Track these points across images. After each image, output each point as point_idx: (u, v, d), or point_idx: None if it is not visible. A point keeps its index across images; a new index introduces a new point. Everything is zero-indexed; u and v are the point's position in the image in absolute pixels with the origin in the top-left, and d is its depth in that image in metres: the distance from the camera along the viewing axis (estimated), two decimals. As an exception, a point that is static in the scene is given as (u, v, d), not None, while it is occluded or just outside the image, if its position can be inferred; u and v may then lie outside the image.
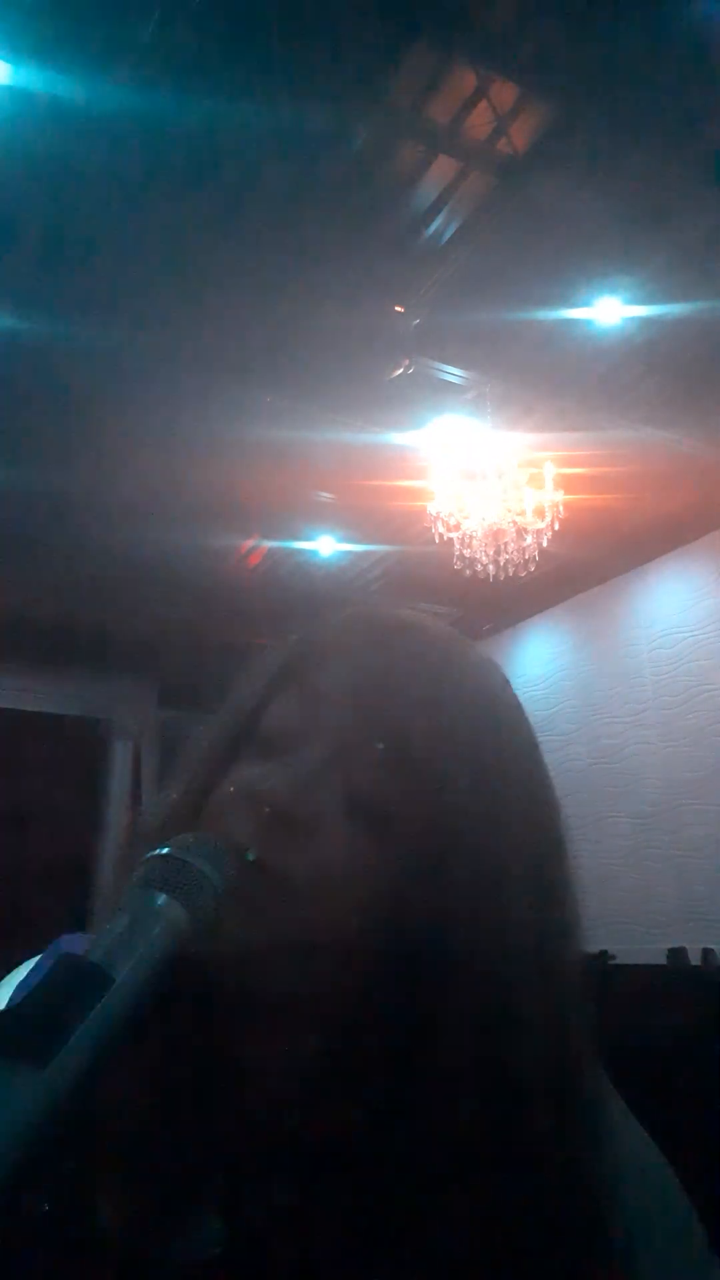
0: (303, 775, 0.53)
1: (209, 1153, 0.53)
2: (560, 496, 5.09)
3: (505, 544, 5.16)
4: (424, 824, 0.53)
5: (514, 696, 0.62)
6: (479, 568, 5.28)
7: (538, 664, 7.95)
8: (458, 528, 5.14)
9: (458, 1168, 0.49)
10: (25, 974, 0.61)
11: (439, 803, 0.54)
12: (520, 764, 0.59)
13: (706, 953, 5.76)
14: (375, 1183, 0.49)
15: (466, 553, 5.21)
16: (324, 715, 0.55)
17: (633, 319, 4.42)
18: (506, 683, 0.63)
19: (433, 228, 4.00)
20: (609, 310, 4.38)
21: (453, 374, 4.82)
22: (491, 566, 5.25)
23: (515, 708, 0.62)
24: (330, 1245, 0.49)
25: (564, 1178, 0.50)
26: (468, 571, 5.33)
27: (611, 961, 6.20)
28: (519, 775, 0.58)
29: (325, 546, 6.80)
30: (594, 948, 6.51)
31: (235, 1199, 0.52)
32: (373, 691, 0.56)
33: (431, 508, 5.16)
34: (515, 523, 5.09)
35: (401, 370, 4.69)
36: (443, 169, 3.77)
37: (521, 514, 5.09)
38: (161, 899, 0.47)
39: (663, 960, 5.85)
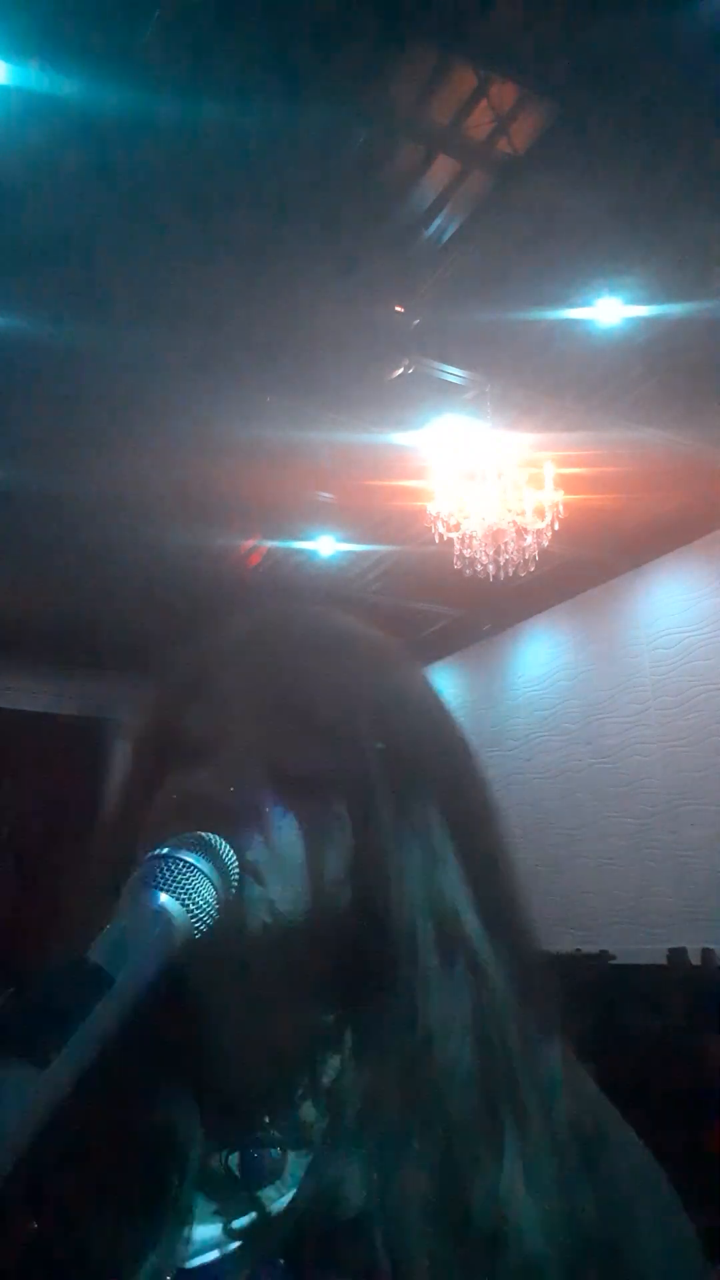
0: (230, 769, 0.57)
1: (211, 1150, 0.53)
2: (560, 496, 5.09)
3: (505, 544, 5.15)
4: (344, 779, 0.57)
5: (411, 672, 0.67)
6: (479, 568, 5.27)
7: (538, 664, 7.96)
8: (458, 528, 5.14)
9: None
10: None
11: (350, 758, 0.58)
12: (419, 721, 0.63)
13: (706, 953, 5.76)
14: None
15: (466, 553, 5.20)
16: (235, 715, 0.59)
17: (633, 319, 4.42)
18: (406, 662, 0.67)
19: (433, 228, 4.00)
20: (609, 310, 4.38)
21: (453, 374, 4.82)
22: (491, 566, 5.25)
23: (409, 679, 0.66)
24: (324, 1249, 0.49)
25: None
26: (468, 571, 5.33)
27: (611, 961, 6.21)
28: (416, 728, 0.62)
29: (325, 546, 6.81)
30: (594, 948, 6.51)
31: (235, 1197, 0.52)
32: (278, 683, 0.60)
33: (431, 508, 5.16)
34: (515, 523, 5.08)
35: (401, 370, 4.70)
36: (443, 169, 3.77)
37: (521, 514, 5.08)
38: (161, 899, 0.47)
39: (663, 960, 5.85)
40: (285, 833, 0.55)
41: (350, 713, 0.59)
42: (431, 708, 0.65)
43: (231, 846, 0.53)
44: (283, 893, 0.54)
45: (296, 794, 0.56)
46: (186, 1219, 0.52)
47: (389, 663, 0.65)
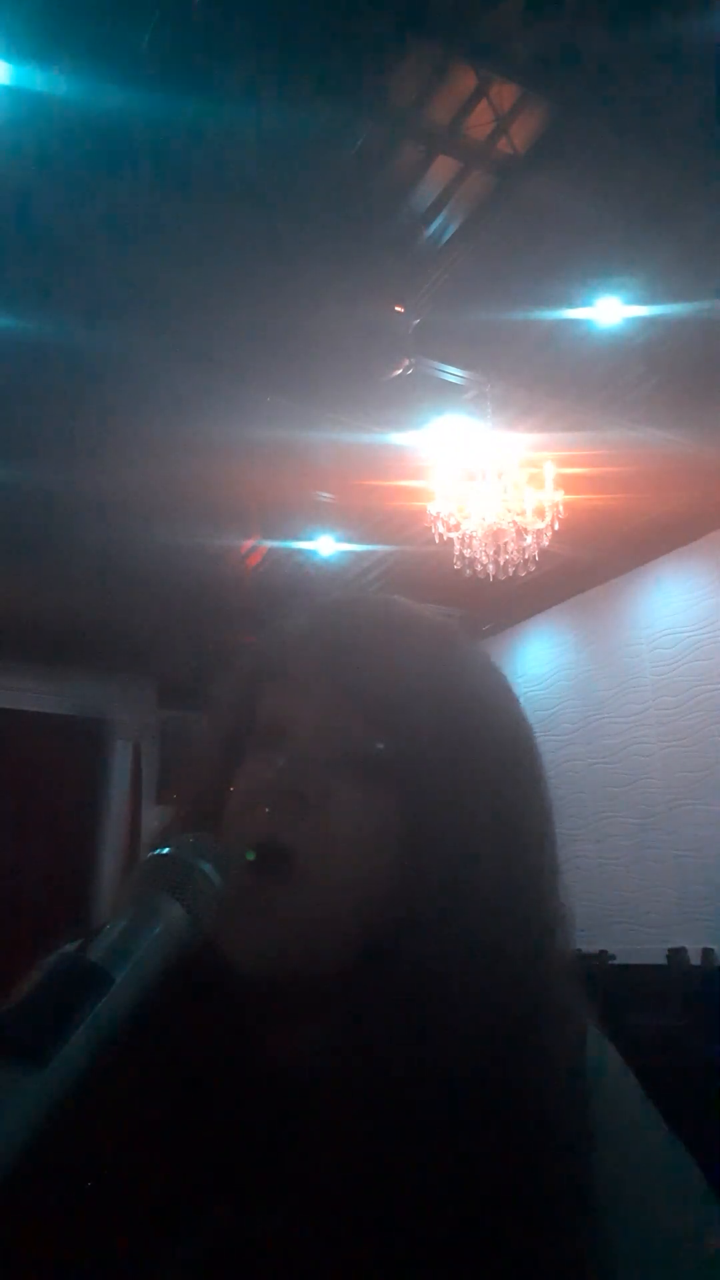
0: (301, 754, 0.58)
1: (215, 1152, 0.53)
2: (560, 496, 5.09)
3: (505, 544, 5.15)
4: (412, 770, 0.58)
5: (473, 655, 0.68)
6: (479, 568, 5.27)
7: (538, 664, 7.95)
8: (458, 528, 5.14)
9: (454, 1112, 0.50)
10: None
11: (418, 749, 0.59)
12: (479, 706, 0.64)
13: (706, 953, 5.76)
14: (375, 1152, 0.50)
15: (466, 553, 5.20)
16: (308, 699, 0.60)
17: (633, 319, 4.42)
18: (468, 646, 0.68)
19: (433, 228, 4.00)
20: (609, 310, 4.38)
21: (453, 374, 4.81)
22: (491, 566, 5.25)
23: (471, 662, 0.67)
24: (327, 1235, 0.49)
25: (539, 1127, 0.51)
26: (468, 571, 5.33)
27: (611, 961, 6.20)
28: (482, 716, 0.63)
29: (325, 546, 6.80)
30: (594, 948, 6.51)
31: (241, 1199, 0.52)
32: (344, 668, 0.61)
33: (431, 508, 5.16)
34: (515, 523, 5.08)
35: (401, 370, 4.69)
36: (443, 169, 3.77)
37: (521, 514, 5.08)
38: (162, 899, 0.47)
39: (663, 960, 5.85)
40: (348, 815, 0.56)
41: (407, 700, 0.59)
42: (488, 696, 0.65)
43: (235, 847, 0.53)
44: (341, 872, 0.55)
45: (359, 780, 0.57)
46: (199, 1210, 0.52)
47: (447, 650, 0.65)
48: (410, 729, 0.58)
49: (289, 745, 0.58)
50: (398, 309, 4.40)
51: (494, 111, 3.51)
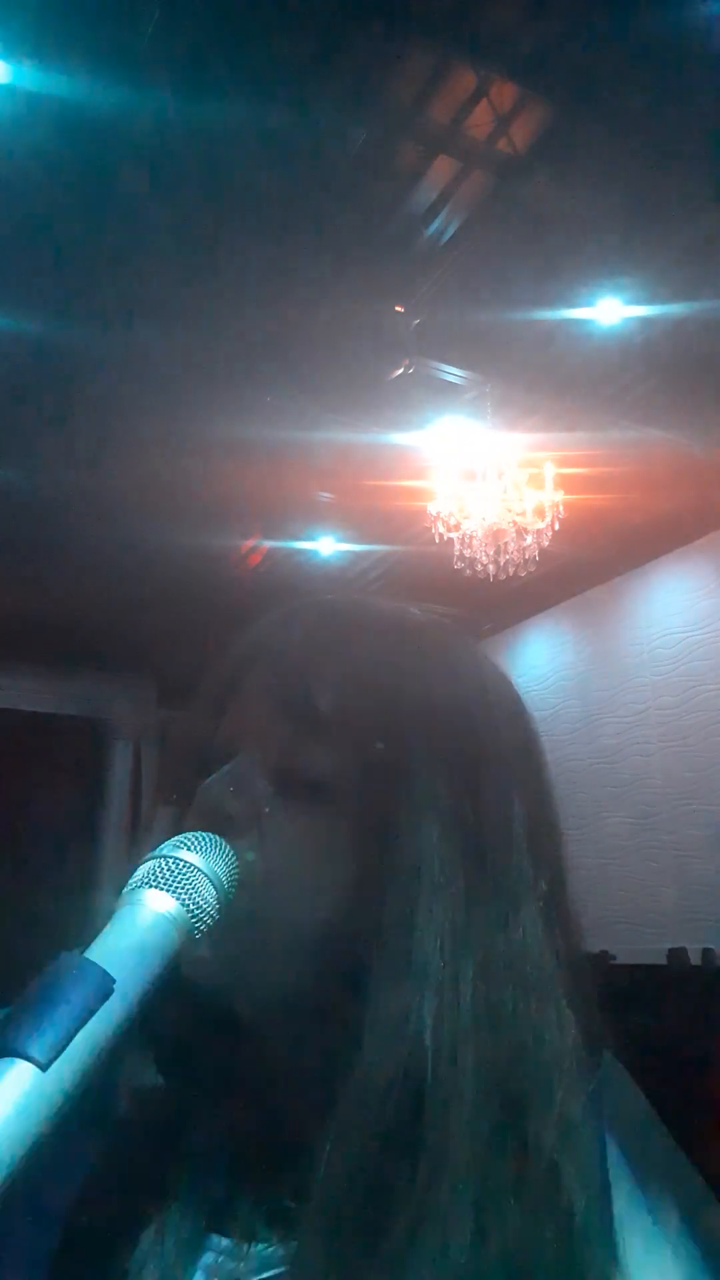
0: (240, 775, 0.55)
1: (216, 1158, 0.53)
2: (560, 496, 5.09)
3: (505, 544, 5.16)
4: (354, 786, 0.54)
5: (444, 658, 0.61)
6: (479, 568, 5.28)
7: (538, 664, 7.95)
8: (458, 528, 5.14)
9: (461, 1150, 0.48)
10: None
11: (359, 767, 0.54)
12: (444, 714, 0.57)
13: (706, 953, 5.76)
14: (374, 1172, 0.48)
15: (466, 553, 5.21)
16: (251, 718, 0.58)
17: (633, 319, 4.42)
18: (438, 648, 0.61)
19: (433, 228, 4.00)
20: (609, 310, 4.38)
21: (453, 374, 4.82)
22: (491, 566, 5.25)
23: (436, 666, 0.60)
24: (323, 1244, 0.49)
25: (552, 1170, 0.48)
26: (468, 571, 5.33)
27: (611, 961, 6.21)
28: (442, 726, 0.56)
29: (325, 546, 6.81)
30: (594, 948, 6.52)
31: (240, 1205, 0.52)
32: (285, 684, 0.58)
33: (432, 508, 5.16)
34: (515, 523, 5.09)
35: (401, 370, 4.69)
36: (443, 169, 3.77)
37: (521, 514, 5.09)
38: (162, 899, 0.47)
39: (663, 960, 5.85)
40: (284, 838, 0.54)
41: (350, 711, 0.55)
42: (458, 700, 0.58)
43: (234, 848, 0.53)
44: (277, 900, 0.53)
45: (301, 797, 0.55)
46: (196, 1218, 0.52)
47: (407, 652, 0.59)
48: (350, 746, 0.54)
49: (234, 766, 0.56)
50: (398, 309, 4.40)
51: (494, 111, 3.50)
